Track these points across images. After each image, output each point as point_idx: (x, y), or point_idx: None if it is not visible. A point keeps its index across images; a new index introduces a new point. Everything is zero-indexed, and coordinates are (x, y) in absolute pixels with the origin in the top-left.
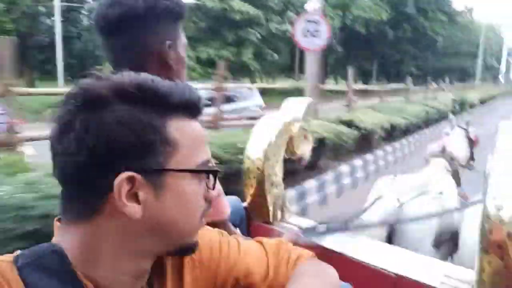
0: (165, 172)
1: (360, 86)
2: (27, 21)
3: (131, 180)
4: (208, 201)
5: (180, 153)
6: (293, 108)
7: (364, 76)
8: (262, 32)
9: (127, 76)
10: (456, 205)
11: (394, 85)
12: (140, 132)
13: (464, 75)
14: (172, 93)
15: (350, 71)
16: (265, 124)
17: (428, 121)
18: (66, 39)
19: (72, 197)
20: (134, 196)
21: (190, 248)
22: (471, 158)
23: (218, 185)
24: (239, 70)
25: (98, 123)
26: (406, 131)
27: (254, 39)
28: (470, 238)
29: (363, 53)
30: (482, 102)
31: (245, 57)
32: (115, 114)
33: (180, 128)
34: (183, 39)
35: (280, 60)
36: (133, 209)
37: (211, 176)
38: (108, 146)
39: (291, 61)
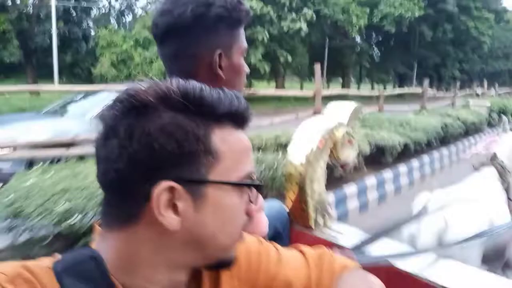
0: (206, 183)
1: (397, 90)
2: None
3: (171, 190)
4: (249, 215)
5: (223, 165)
6: (337, 112)
7: (401, 80)
8: (273, 31)
9: (175, 83)
10: (506, 220)
11: (437, 91)
12: (183, 142)
13: None
14: (219, 103)
15: (425, 80)
16: (308, 129)
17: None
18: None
19: (112, 203)
20: (173, 207)
21: (227, 263)
22: None
23: (261, 200)
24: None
25: (142, 130)
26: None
27: (263, 39)
28: None
29: (398, 55)
30: None
31: (254, 58)
32: (159, 122)
33: (225, 139)
34: (242, 45)
35: (295, 63)
36: (171, 220)
37: (253, 190)
38: (150, 154)
39: (310, 63)
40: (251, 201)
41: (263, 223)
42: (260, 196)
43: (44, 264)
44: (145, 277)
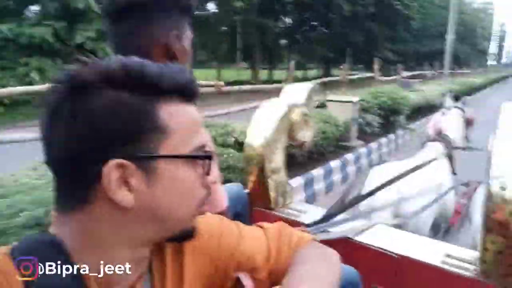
0: (157, 158)
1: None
2: None
3: (121, 167)
4: (206, 187)
5: (172, 139)
6: (294, 93)
7: (329, 64)
8: None
9: (115, 61)
10: (451, 193)
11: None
12: (129, 118)
13: (456, 61)
14: (163, 76)
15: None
16: (266, 110)
17: None
18: None
19: (63, 186)
20: (125, 184)
21: (188, 235)
22: (466, 139)
23: (216, 172)
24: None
25: (86, 109)
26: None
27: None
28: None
29: (319, 35)
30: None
31: (82, 37)
32: (102, 100)
33: (172, 113)
34: (189, 33)
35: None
36: (125, 197)
37: (206, 162)
38: (96, 133)
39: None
40: (205, 173)
41: (221, 195)
42: (216, 169)
43: (1, 251)
44: (107, 256)
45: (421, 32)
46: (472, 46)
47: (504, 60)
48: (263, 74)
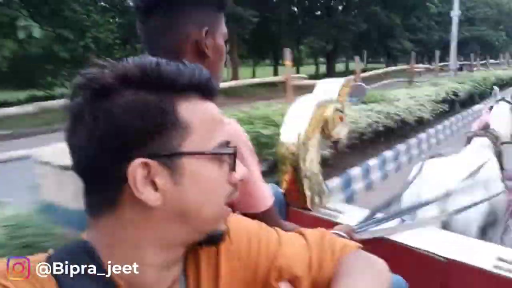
0: (180, 156)
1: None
2: None
3: (145, 166)
4: (233, 184)
5: (195, 135)
6: (327, 89)
7: (328, 57)
8: None
9: (131, 62)
10: (501, 189)
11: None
12: (148, 117)
13: (488, 50)
14: (179, 74)
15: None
16: (299, 107)
17: None
18: None
19: (91, 191)
20: (151, 183)
21: (219, 236)
22: None
23: (253, 171)
24: None
25: (106, 112)
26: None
27: None
28: None
29: (320, 25)
30: None
31: None
32: (122, 101)
33: (192, 110)
34: (223, 29)
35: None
36: (151, 196)
37: (232, 158)
38: (118, 134)
39: None
40: (232, 170)
41: (263, 193)
42: (255, 167)
43: (39, 259)
44: (138, 258)
45: (444, 18)
46: (508, 33)
47: None
48: (246, 72)
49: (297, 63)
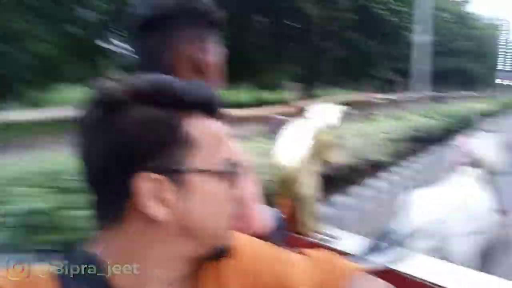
0: (188, 172)
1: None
2: None
3: (153, 181)
4: (236, 201)
5: (201, 152)
6: (325, 114)
7: (308, 83)
8: None
9: (143, 78)
10: (495, 221)
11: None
12: (159, 132)
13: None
14: (187, 92)
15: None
16: (295, 132)
17: None
18: None
19: (99, 203)
20: (158, 198)
21: (224, 251)
22: (506, 164)
23: (252, 193)
24: None
25: (118, 126)
26: None
27: None
28: None
29: (297, 49)
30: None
31: None
32: (133, 117)
33: (199, 127)
34: (218, 46)
35: None
36: (158, 211)
37: (237, 175)
38: (128, 149)
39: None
40: (234, 187)
41: (257, 219)
42: (252, 187)
43: (44, 269)
44: (144, 274)
45: (425, 48)
46: (482, 64)
47: None
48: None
49: (274, 88)
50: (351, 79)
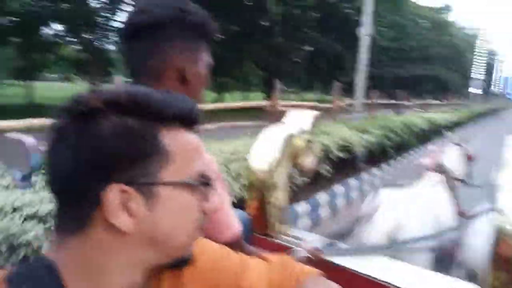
0: (159, 184)
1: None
2: None
3: (122, 192)
4: (204, 213)
5: (173, 165)
6: (298, 119)
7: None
8: None
9: (120, 88)
10: (454, 224)
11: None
12: (132, 144)
13: (437, 88)
14: (165, 104)
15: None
16: (269, 135)
17: None
18: None
19: (64, 209)
20: (126, 209)
21: (185, 260)
22: (469, 175)
23: (222, 199)
24: None
25: (91, 134)
26: None
27: None
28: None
29: (253, 48)
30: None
31: None
32: (107, 126)
33: (174, 140)
34: (205, 57)
35: None
36: (125, 222)
37: (206, 188)
38: (99, 158)
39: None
40: (205, 200)
41: (230, 217)
42: (225, 194)
43: None
44: (103, 281)
45: (400, 54)
46: (461, 74)
47: (494, 88)
48: None
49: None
50: (317, 81)
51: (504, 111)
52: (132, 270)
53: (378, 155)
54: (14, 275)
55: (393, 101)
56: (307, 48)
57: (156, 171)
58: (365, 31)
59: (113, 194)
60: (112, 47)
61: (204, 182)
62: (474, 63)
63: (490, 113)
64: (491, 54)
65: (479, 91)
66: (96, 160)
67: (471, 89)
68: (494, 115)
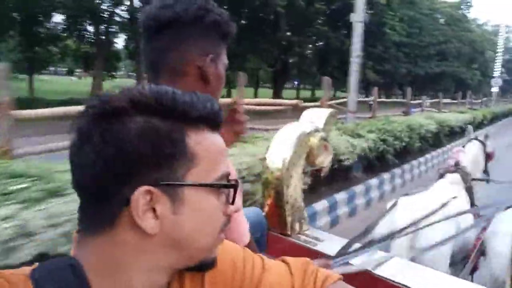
0: (184, 186)
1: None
2: None
3: (148, 193)
4: (227, 216)
5: (199, 167)
6: (313, 118)
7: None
8: None
9: (147, 88)
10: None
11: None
12: (159, 145)
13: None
14: (192, 106)
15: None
16: (285, 135)
17: None
18: None
19: (89, 209)
20: (152, 211)
21: (208, 264)
22: (485, 172)
23: (239, 202)
24: None
25: (116, 134)
26: None
27: None
28: (495, 258)
29: (258, 42)
30: None
31: None
32: (133, 126)
33: (200, 142)
34: (225, 59)
35: None
36: (150, 223)
37: (230, 191)
38: (125, 159)
39: None
40: (228, 202)
41: (242, 225)
42: (239, 199)
43: (21, 272)
44: (126, 281)
45: (413, 50)
46: (481, 72)
47: None
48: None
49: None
50: (332, 79)
51: None
52: (156, 271)
53: (374, 162)
54: (38, 273)
55: (400, 100)
56: (317, 43)
57: (182, 173)
58: (358, 18)
59: (140, 195)
60: (119, 41)
61: (229, 185)
62: (495, 60)
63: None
64: None
65: (500, 90)
66: (121, 161)
67: (493, 89)
68: None
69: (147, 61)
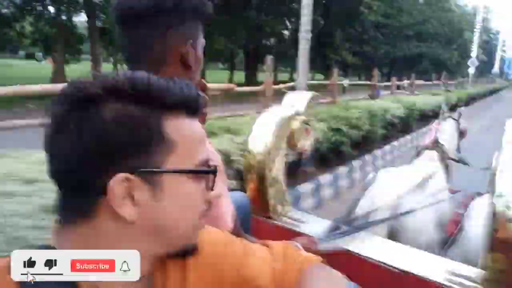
0: (163, 172)
1: None
2: None
3: (126, 181)
4: (208, 202)
5: (178, 153)
6: (295, 101)
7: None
8: None
9: (122, 74)
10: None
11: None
12: (135, 131)
13: (438, 68)
14: (169, 91)
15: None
16: (266, 118)
17: None
18: None
19: (67, 198)
20: (130, 198)
21: (190, 250)
22: (458, 150)
23: (220, 187)
24: None
25: (91, 122)
26: None
27: None
28: (474, 235)
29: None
30: None
31: None
32: (109, 113)
33: (177, 127)
34: (202, 40)
35: None
36: (129, 211)
37: (210, 176)
38: (103, 146)
39: None
40: (208, 188)
41: (225, 209)
42: (220, 184)
43: (0, 263)
44: None
45: (393, 31)
46: (460, 53)
47: (495, 69)
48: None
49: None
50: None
51: (506, 92)
52: None
53: (328, 155)
54: None
55: (367, 82)
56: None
57: (160, 160)
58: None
59: (118, 183)
60: (82, 21)
61: (208, 171)
62: (473, 41)
63: (489, 94)
64: (493, 33)
65: (478, 71)
66: (98, 148)
67: (469, 69)
68: (495, 97)
69: (126, 52)
